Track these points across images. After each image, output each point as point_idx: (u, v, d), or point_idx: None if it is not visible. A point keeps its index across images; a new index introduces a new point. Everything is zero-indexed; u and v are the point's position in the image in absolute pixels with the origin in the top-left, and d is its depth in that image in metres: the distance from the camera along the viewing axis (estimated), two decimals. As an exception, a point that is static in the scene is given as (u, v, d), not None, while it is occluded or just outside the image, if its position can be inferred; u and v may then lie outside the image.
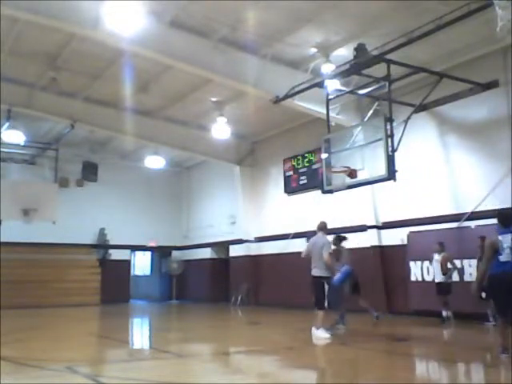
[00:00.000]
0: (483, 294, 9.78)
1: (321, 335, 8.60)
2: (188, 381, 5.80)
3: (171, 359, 7.11)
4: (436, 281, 10.95)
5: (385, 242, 13.39)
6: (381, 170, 9.45)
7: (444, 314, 10.58)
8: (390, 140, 9.34)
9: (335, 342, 8.49)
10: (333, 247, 9.52)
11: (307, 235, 12.37)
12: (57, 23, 10.27)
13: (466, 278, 10.88)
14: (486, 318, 9.97)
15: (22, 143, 16.15)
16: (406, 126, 10.00)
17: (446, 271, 10.76)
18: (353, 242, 13.56)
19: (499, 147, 10.83)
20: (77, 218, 18.80)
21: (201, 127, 16.55)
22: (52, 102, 14.84)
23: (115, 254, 20.22)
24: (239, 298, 17.75)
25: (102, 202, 19.85)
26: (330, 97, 11.11)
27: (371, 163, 10.11)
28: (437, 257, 10.95)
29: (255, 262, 17.65)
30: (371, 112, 11.43)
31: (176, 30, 11.01)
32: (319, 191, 11.09)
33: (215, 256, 20.42)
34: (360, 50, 9.59)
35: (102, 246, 20.06)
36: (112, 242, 20.09)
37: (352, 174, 9.88)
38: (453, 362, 7.08)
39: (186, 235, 21.92)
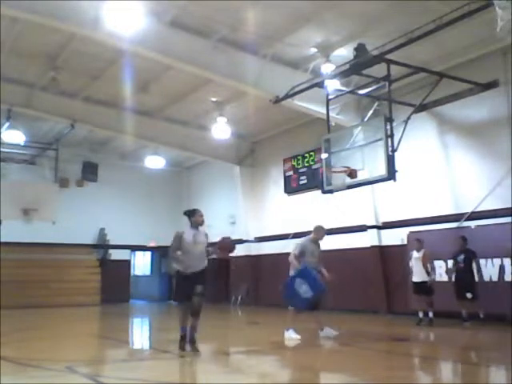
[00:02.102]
0: (468, 295, 9.88)
1: (290, 336, 8.50)
2: (188, 381, 5.80)
3: (171, 359, 7.09)
4: (416, 280, 10.52)
5: (385, 242, 13.38)
6: (381, 170, 9.45)
7: (430, 314, 10.37)
8: (390, 140, 9.34)
9: (335, 342, 8.49)
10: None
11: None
12: (57, 23, 10.26)
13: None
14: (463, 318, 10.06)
15: (22, 143, 16.14)
16: (405, 125, 9.99)
17: (428, 270, 10.54)
18: (352, 241, 13.76)
19: (499, 147, 10.83)
20: (77, 218, 18.78)
21: (201, 127, 16.54)
22: (52, 102, 14.84)
23: (115, 254, 20.21)
24: (239, 298, 17.74)
25: (102, 202, 19.84)
26: (330, 97, 11.10)
27: (371, 163, 10.11)
28: (416, 254, 10.64)
29: (255, 262, 17.63)
30: (371, 112, 11.41)
31: (176, 30, 11.00)
32: (319, 191, 11.08)
33: (215, 256, 20.35)
34: (360, 49, 9.58)
35: (102, 245, 20.05)
36: (112, 242, 20.08)
37: (352, 173, 9.87)
38: (453, 362, 7.08)
39: (186, 235, 21.85)
